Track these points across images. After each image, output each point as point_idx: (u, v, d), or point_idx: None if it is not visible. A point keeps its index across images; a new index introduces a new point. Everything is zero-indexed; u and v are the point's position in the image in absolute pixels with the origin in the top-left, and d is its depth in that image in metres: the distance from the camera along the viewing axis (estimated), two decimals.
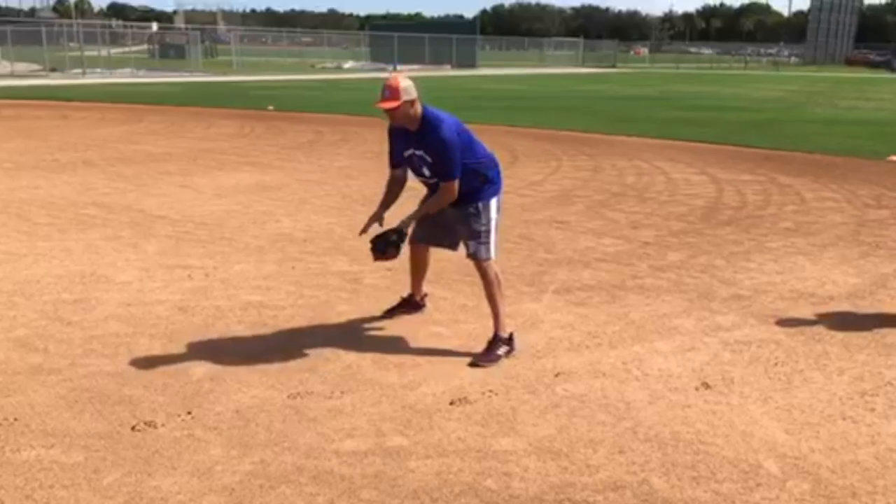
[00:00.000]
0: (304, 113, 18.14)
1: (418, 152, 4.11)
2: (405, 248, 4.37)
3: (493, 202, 4.28)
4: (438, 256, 6.04)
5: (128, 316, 4.66)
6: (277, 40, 55.14)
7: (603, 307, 5.01)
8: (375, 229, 4.33)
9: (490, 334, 4.21)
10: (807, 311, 4.96)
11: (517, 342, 4.22)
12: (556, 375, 3.94)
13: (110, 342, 4.25)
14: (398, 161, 4.31)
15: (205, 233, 6.69)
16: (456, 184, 4.09)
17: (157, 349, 4.18)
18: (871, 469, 3.10)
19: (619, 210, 8.01)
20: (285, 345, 4.26)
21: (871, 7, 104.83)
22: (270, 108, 19.07)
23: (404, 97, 3.92)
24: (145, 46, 52.71)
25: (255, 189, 8.77)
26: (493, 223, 4.27)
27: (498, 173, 4.40)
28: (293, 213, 7.58)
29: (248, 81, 31.77)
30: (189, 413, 3.47)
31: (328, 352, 4.16)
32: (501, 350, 4.18)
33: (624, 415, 3.53)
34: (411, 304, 4.81)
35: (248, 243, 6.38)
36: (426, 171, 4.16)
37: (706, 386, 3.84)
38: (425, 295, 4.85)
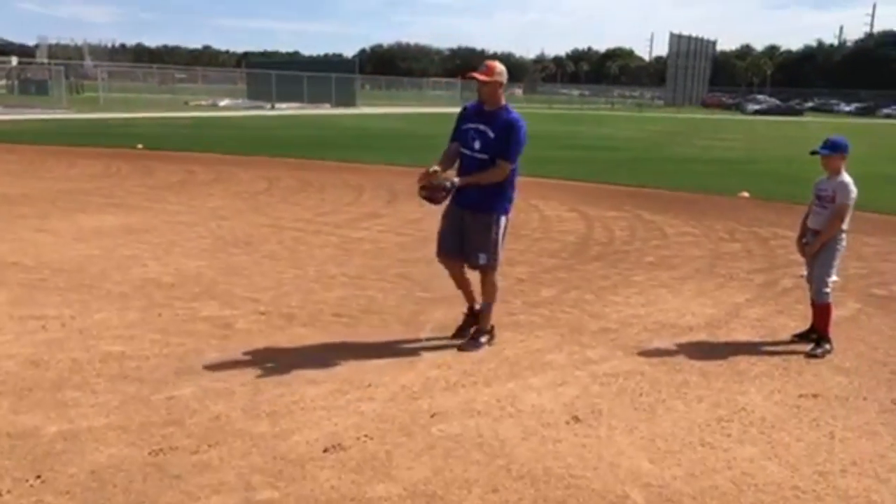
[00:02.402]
0: (176, 152, 17.54)
1: (481, 127, 4.73)
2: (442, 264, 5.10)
3: (504, 220, 4.89)
4: (315, 298, 5.98)
5: None
6: (149, 76, 53.30)
7: None
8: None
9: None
10: (668, 342, 5.21)
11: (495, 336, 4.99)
12: (432, 416, 3.93)
13: None
14: (456, 137, 4.91)
15: (62, 280, 6.30)
16: (509, 167, 4.74)
17: (4, 408, 3.86)
18: (729, 493, 3.26)
19: None
20: (148, 397, 4.04)
21: (723, 53, 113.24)
22: (139, 146, 18.33)
23: (497, 77, 4.68)
24: (3, 81, 49.63)
25: (120, 232, 8.35)
26: (500, 238, 4.87)
27: (513, 196, 4.95)
28: (161, 256, 7.27)
29: (115, 119, 30.47)
30: (38, 477, 3.21)
31: (195, 403, 3.98)
32: (484, 338, 4.95)
33: (498, 453, 3.56)
34: (475, 315, 5.16)
35: (111, 290, 6.05)
36: (477, 144, 4.74)
37: (576, 419, 3.94)
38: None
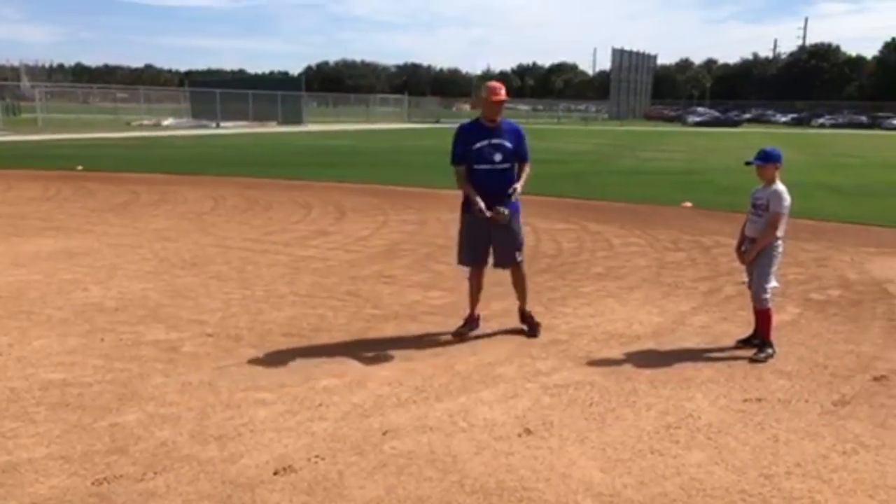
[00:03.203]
0: (118, 173, 17.17)
1: (494, 141, 5.27)
2: (467, 271, 5.67)
3: (519, 213, 5.50)
4: (264, 318, 5.90)
5: None
6: (89, 96, 52.06)
7: (430, 360, 5.06)
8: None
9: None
10: (617, 352, 5.28)
11: None
12: (384, 434, 3.91)
13: None
14: (463, 158, 5.31)
15: None
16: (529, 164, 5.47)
17: None
18: (678, 500, 3.31)
19: (445, 262, 8.17)
20: (91, 425, 3.92)
21: (664, 67, 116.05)
22: (79, 168, 17.89)
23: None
24: None
25: (60, 256, 8.13)
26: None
27: None
28: (103, 280, 7.09)
29: (54, 140, 29.71)
30: None
31: (140, 429, 3.88)
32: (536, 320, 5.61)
33: (451, 468, 3.55)
34: (473, 321, 5.67)
35: (51, 315, 5.88)
36: (498, 157, 5.27)
37: (528, 432, 3.96)
38: (479, 315, 5.76)
